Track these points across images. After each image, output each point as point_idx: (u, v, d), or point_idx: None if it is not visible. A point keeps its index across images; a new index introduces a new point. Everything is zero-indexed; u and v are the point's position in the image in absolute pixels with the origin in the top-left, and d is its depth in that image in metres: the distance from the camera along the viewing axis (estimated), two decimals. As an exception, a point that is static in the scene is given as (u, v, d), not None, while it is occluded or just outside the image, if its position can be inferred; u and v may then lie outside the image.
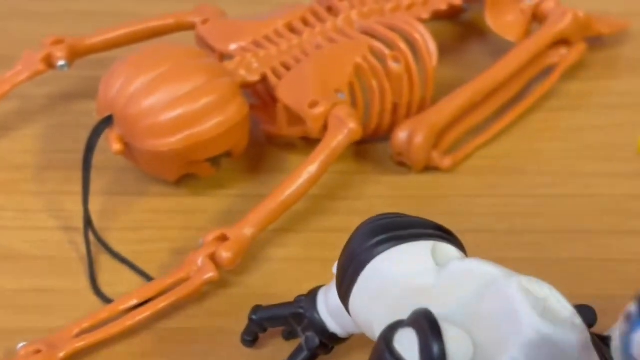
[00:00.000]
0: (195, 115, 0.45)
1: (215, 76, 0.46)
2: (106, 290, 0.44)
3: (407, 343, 0.27)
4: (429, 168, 0.51)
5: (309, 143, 0.52)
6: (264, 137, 0.52)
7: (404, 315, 0.29)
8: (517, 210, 0.49)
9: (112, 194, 0.49)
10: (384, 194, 0.50)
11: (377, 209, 0.49)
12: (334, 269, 0.37)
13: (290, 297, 0.41)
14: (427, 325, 0.27)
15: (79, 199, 0.48)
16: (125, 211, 0.49)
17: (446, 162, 0.50)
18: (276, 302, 0.41)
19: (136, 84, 0.45)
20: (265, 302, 0.42)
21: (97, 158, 0.46)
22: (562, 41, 0.56)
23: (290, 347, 0.41)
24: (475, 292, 0.29)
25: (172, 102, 0.44)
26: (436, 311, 0.28)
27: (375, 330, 0.31)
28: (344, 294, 0.32)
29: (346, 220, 0.48)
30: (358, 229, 0.33)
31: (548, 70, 0.56)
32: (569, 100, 0.56)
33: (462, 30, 0.61)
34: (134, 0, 0.62)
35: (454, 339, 0.27)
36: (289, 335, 0.41)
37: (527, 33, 0.56)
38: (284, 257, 0.46)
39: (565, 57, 0.56)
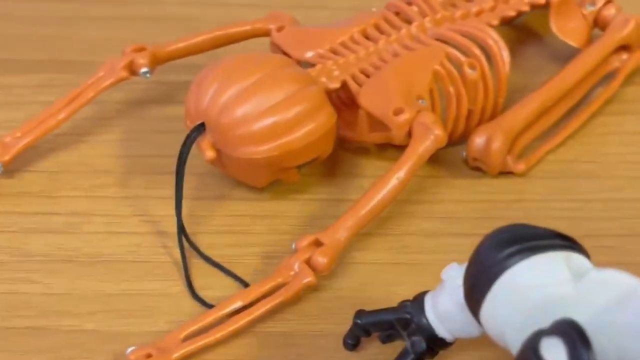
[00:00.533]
0: (288, 123, 0.46)
1: (305, 84, 0.47)
2: (202, 294, 0.45)
3: (554, 351, 0.29)
4: (502, 172, 0.52)
5: (382, 147, 0.53)
6: (337, 143, 0.53)
7: (541, 324, 0.30)
8: (590, 214, 0.50)
9: (195, 199, 0.50)
10: (459, 197, 0.51)
11: (454, 213, 0.51)
12: (443, 275, 0.38)
13: (381, 301, 0.43)
14: (575, 335, 0.28)
15: (164, 202, 0.49)
16: (209, 216, 0.50)
17: (520, 166, 0.51)
18: (368, 306, 0.43)
19: (229, 93, 0.46)
20: (357, 306, 0.43)
21: (174, 162, 0.47)
22: (622, 47, 0.57)
23: (388, 349, 0.42)
24: (614, 302, 0.30)
25: (266, 110, 0.45)
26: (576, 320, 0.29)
27: (507, 338, 0.32)
28: (475, 304, 0.33)
29: (425, 224, 0.50)
30: (485, 241, 0.34)
31: (608, 75, 0.57)
32: (630, 105, 0.57)
33: (517, 34, 0.62)
34: (193, 5, 0.63)
35: (599, 349, 0.28)
36: (387, 339, 0.42)
37: (590, 39, 0.57)
38: (369, 260, 0.48)
39: (626, 62, 0.57)
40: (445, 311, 0.38)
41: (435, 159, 0.53)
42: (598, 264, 0.46)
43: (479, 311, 0.33)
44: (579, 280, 0.31)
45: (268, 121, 0.45)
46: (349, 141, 0.53)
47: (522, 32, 0.62)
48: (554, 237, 0.33)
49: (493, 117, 0.52)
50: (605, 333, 0.30)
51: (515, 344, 0.31)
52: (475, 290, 0.33)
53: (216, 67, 0.47)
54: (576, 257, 0.32)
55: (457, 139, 0.52)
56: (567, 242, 0.33)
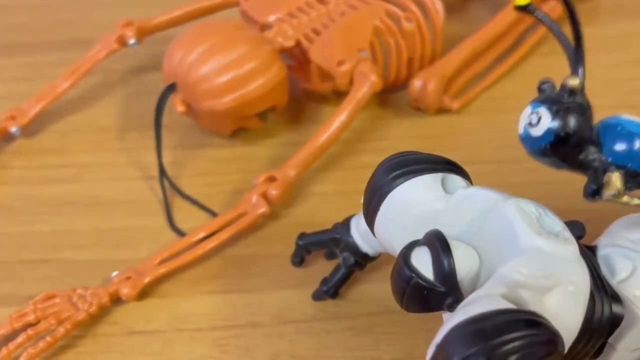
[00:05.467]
0: (242, 78, 0.44)
1: (257, 44, 0.45)
2: (180, 226, 0.45)
3: (422, 259, 0.27)
4: (441, 111, 0.50)
5: (340, 96, 0.51)
6: (302, 93, 0.52)
7: (419, 236, 0.29)
8: (516, 142, 0.48)
9: (179, 148, 0.49)
10: (403, 134, 0.50)
11: (398, 147, 0.48)
12: (363, 200, 0.37)
13: (329, 225, 0.41)
14: (438, 244, 0.27)
15: (154, 152, 0.48)
16: (190, 161, 0.49)
17: (455, 104, 0.49)
18: (318, 230, 0.41)
19: (193, 55, 0.44)
20: (309, 230, 0.42)
21: (165, 119, 0.46)
22: (550, -4, 0.54)
23: (331, 265, 0.41)
24: (478, 214, 0.28)
25: (223, 68, 0.44)
26: (446, 232, 0.28)
27: (396, 249, 0.31)
28: (370, 220, 0.32)
29: (373, 159, 0.47)
30: (378, 166, 0.32)
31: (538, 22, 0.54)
32: (557, 46, 0.53)
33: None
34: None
35: (461, 254, 0.27)
36: (330, 256, 0.41)
37: (520, -10, 0.54)
38: (322, 192, 0.46)
39: (554, 9, 0.54)
40: (364, 230, 0.37)
41: (384, 103, 0.51)
42: (521, 185, 0.44)
43: (373, 227, 0.32)
44: (449, 198, 0.30)
45: (225, 77, 0.44)
46: (310, 92, 0.51)
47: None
48: (436, 162, 0.31)
49: (432, 63, 0.50)
50: (472, 242, 0.28)
51: (403, 255, 0.30)
52: (369, 209, 0.32)
53: (182, 36, 0.46)
54: (452, 178, 0.31)
55: (401, 84, 0.50)
56: (448, 166, 0.31)
